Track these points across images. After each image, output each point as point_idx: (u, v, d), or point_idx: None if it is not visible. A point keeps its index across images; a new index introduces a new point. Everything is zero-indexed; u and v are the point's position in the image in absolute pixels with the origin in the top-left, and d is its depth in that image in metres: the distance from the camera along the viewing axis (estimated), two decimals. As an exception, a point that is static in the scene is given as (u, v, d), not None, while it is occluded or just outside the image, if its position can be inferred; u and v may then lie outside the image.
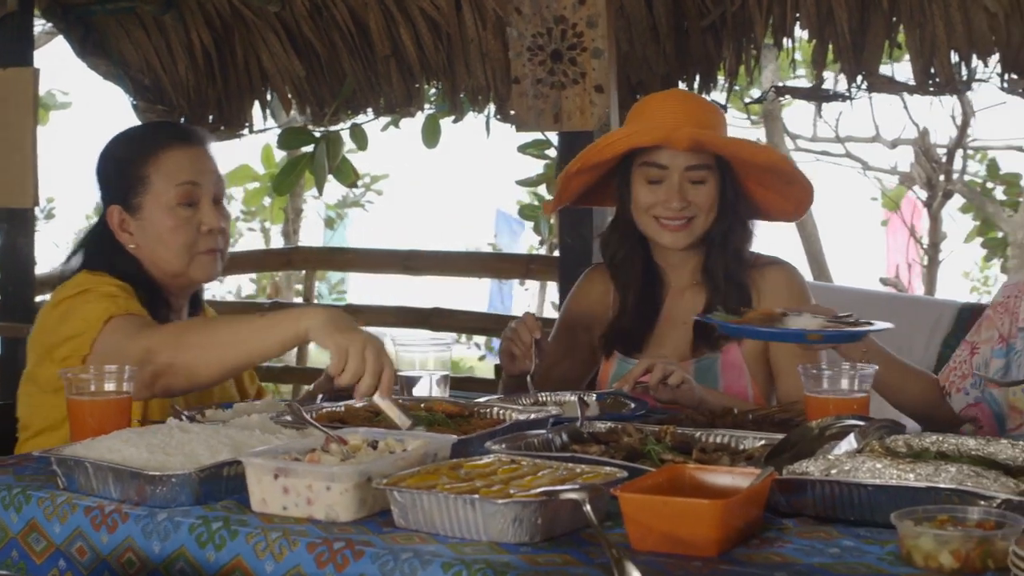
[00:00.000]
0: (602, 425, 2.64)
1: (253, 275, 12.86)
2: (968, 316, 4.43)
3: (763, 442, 2.49)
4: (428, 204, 17.71)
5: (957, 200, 7.92)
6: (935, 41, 4.90)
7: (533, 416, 2.73)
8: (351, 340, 2.63)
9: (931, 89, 5.03)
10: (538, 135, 6.16)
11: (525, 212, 8.03)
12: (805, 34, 5.19)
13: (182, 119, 6.31)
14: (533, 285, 10.47)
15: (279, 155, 10.85)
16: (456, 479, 2.17)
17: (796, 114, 23.92)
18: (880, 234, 11.42)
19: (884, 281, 9.37)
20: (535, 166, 6.82)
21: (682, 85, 5.35)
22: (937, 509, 1.93)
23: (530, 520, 2.00)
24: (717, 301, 3.34)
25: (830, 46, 5.11)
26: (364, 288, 13.74)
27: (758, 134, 8.28)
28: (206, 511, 2.20)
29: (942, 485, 2.03)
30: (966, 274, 10.29)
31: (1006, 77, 4.90)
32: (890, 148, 8.42)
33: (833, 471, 2.12)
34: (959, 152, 7.39)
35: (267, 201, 12.08)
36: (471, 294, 11.45)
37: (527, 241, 13.69)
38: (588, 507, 1.96)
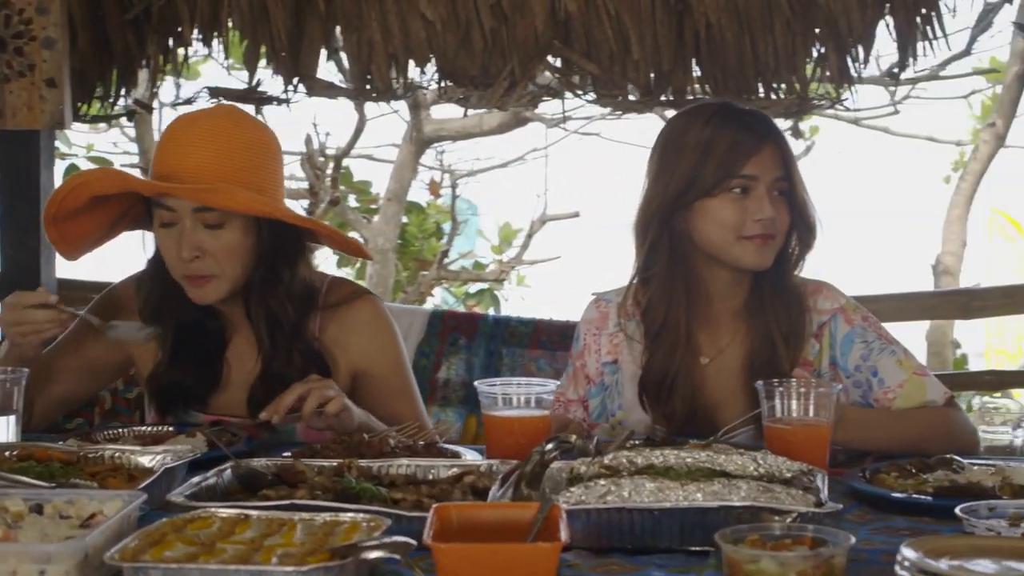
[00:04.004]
0: (258, 463, 2.33)
1: None
2: (438, 323, 4.41)
3: (455, 469, 2.31)
4: None
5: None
6: (372, 47, 4.84)
7: (169, 459, 2.35)
8: None
9: (372, 95, 4.97)
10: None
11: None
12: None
13: None
14: None
15: None
16: (195, 544, 1.81)
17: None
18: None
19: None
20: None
21: (99, 85, 4.91)
22: (748, 529, 1.85)
23: (330, 586, 1.70)
24: (274, 358, 3.03)
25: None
26: None
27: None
28: None
29: (736, 503, 1.95)
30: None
31: (443, 84, 4.93)
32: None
33: (609, 497, 1.99)
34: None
35: None
36: None
37: None
38: (417, 571, 1.69)
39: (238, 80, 5.76)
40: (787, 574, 1.75)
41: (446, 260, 7.75)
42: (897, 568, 1.75)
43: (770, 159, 2.87)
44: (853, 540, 1.80)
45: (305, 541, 1.83)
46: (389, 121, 7.97)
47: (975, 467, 2.44)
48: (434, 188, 8.31)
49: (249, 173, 2.94)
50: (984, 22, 6.22)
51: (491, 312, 4.61)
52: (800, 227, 2.92)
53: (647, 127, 9.00)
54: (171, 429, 2.80)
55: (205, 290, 2.97)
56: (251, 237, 2.96)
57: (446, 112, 7.94)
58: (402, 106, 7.49)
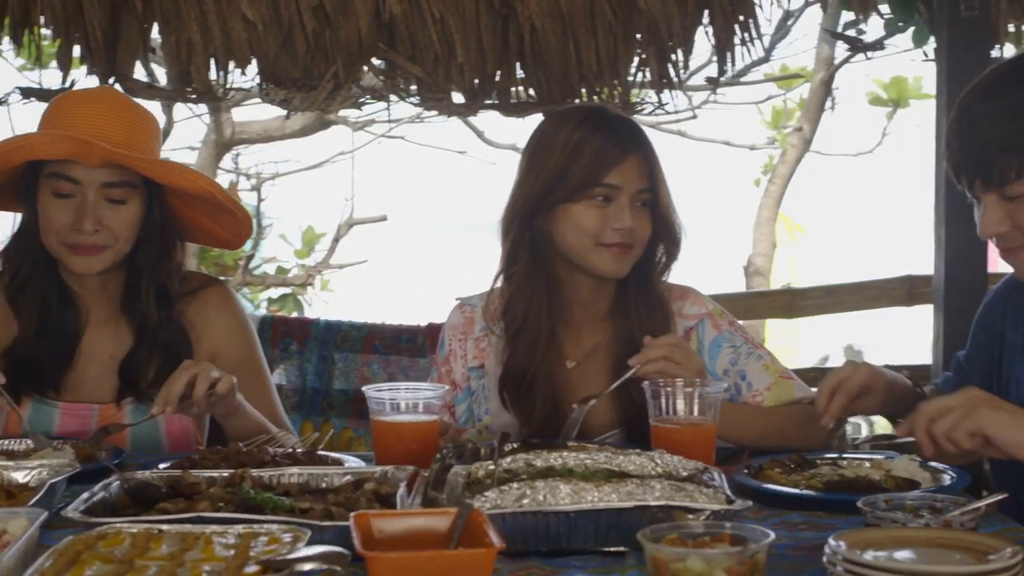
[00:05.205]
0: (143, 475, 2.25)
1: None
2: (269, 328, 4.34)
3: (349, 477, 2.28)
4: None
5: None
6: (192, 47, 4.73)
7: (46, 474, 2.26)
8: None
9: (191, 96, 4.86)
10: None
11: None
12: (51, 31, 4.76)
13: None
14: None
15: None
16: (112, 562, 1.75)
17: None
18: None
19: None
20: None
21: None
22: (668, 528, 1.87)
23: (268, 600, 1.65)
24: (144, 339, 3.01)
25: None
26: None
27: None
28: None
29: (652, 502, 1.97)
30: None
31: (265, 86, 4.84)
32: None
33: (525, 500, 1.98)
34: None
35: None
36: None
37: None
38: (357, 579, 1.66)
39: (29, 80, 5.56)
40: (713, 571, 1.77)
41: (250, 265, 7.62)
42: (826, 560, 1.79)
43: (635, 170, 2.89)
44: (773, 536, 1.83)
45: (227, 555, 1.77)
46: (186, 123, 7.80)
47: (855, 461, 2.51)
48: (232, 191, 8.16)
49: (155, 152, 3.00)
50: (783, 30, 6.44)
51: (323, 317, 4.54)
52: (665, 237, 2.96)
53: (453, 131, 9.03)
54: (31, 444, 2.69)
55: (93, 260, 2.95)
56: (144, 215, 2.98)
57: (247, 114, 7.82)
58: (202, 108, 7.33)
